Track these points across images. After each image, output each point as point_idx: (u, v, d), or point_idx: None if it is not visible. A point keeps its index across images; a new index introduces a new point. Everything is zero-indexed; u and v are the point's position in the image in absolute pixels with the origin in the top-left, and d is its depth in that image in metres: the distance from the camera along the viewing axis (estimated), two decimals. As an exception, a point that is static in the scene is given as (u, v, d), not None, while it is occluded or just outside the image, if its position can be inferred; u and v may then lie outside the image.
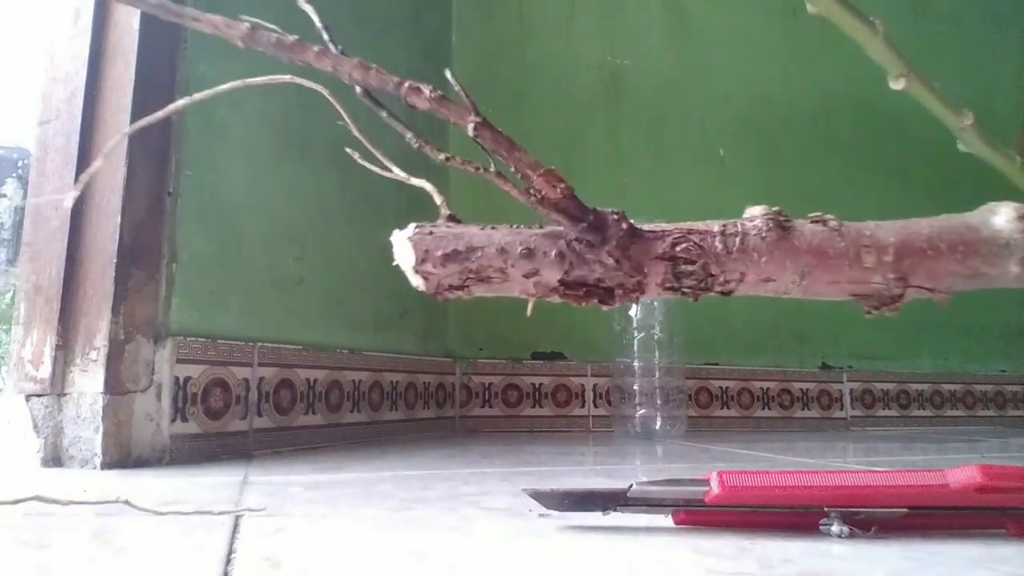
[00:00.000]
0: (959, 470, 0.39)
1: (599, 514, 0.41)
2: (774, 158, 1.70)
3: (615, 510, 0.41)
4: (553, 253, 0.37)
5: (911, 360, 1.74)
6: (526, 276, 0.36)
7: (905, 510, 0.39)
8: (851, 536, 0.38)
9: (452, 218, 0.43)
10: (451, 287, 0.39)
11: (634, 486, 0.41)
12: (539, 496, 0.42)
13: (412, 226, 0.42)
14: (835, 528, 0.38)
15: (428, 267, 0.39)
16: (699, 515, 0.41)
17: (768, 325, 1.62)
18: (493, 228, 0.39)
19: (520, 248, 0.37)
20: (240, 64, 0.91)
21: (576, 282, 0.37)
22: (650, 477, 0.69)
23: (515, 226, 0.39)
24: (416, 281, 0.39)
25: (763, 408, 1.56)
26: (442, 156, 0.42)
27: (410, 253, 0.39)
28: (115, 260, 0.72)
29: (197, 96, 0.41)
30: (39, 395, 0.71)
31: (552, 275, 0.37)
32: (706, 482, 0.40)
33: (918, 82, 0.41)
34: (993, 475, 0.38)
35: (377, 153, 0.43)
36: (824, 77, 1.76)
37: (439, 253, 0.39)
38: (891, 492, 0.39)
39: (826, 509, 0.39)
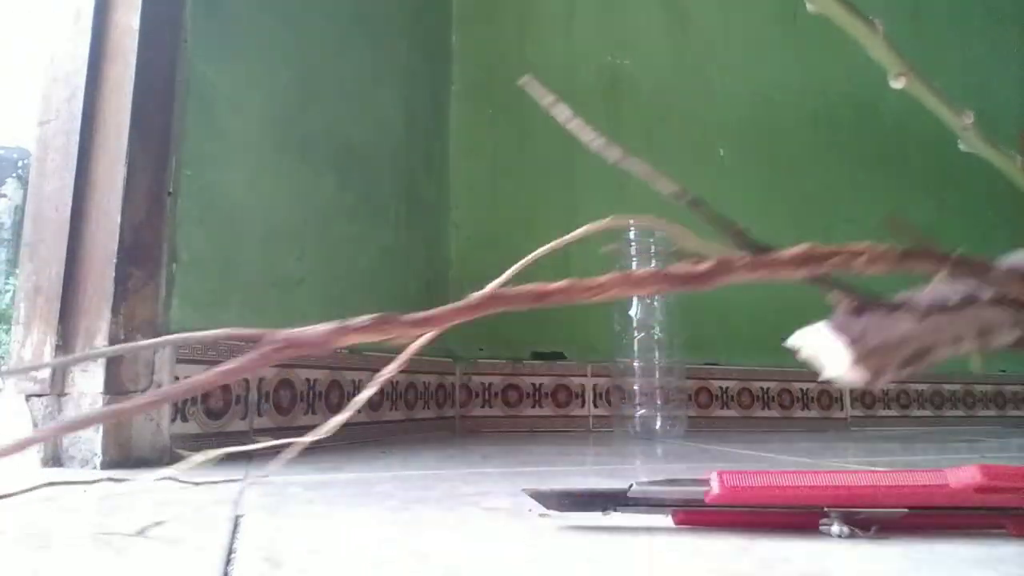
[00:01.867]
0: (959, 470, 0.39)
1: (599, 514, 0.41)
2: (774, 158, 1.70)
3: (615, 510, 0.41)
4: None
5: (911, 360, 1.74)
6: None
7: (905, 510, 0.39)
8: (851, 536, 0.38)
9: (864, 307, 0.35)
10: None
11: (634, 486, 0.41)
12: (539, 496, 0.42)
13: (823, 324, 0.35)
14: (835, 528, 0.38)
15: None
16: (699, 515, 0.41)
17: (768, 325, 1.62)
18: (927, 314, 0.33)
19: (976, 329, 0.33)
20: (241, 64, 0.91)
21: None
22: (650, 477, 0.69)
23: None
24: (851, 375, 0.33)
25: (763, 408, 1.56)
26: None
27: (838, 349, 0.34)
28: (115, 260, 0.72)
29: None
30: (39, 395, 0.71)
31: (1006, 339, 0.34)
32: (706, 482, 0.40)
33: (918, 81, 0.41)
34: (993, 475, 0.38)
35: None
36: (824, 77, 1.76)
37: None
38: (892, 492, 0.39)
39: (826, 509, 0.39)
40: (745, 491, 0.39)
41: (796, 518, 0.40)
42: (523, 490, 0.43)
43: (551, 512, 0.43)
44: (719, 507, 0.40)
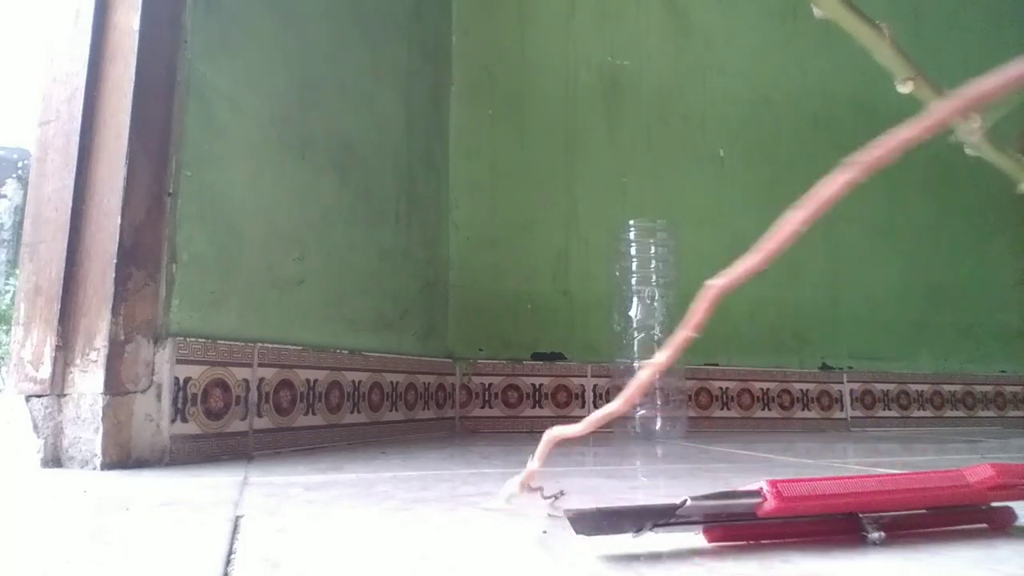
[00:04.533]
0: (975, 469, 0.39)
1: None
2: (774, 158, 1.70)
3: (651, 529, 0.36)
4: None
5: (911, 360, 1.74)
6: None
7: (924, 511, 0.39)
8: (886, 542, 0.37)
9: None
10: None
11: (688, 501, 0.36)
12: (576, 520, 0.36)
13: None
14: (874, 535, 0.37)
15: None
16: (736, 530, 0.38)
17: (768, 326, 1.62)
18: None
19: None
20: (241, 64, 0.91)
21: None
22: (650, 479, 0.69)
23: None
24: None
25: (763, 409, 1.56)
26: None
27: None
28: (115, 260, 0.72)
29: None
30: (39, 396, 0.71)
31: None
32: (756, 494, 0.36)
33: (926, 85, 0.41)
34: (1007, 473, 0.38)
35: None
36: (824, 77, 1.76)
37: None
38: (930, 494, 0.38)
39: (860, 515, 0.38)
40: (801, 501, 0.36)
41: (833, 526, 0.39)
42: (564, 511, 0.37)
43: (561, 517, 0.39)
44: (766, 520, 0.37)
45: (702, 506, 0.36)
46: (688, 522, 0.37)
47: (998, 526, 0.41)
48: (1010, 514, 0.41)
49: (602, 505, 0.37)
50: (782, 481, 0.37)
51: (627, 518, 0.36)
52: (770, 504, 0.36)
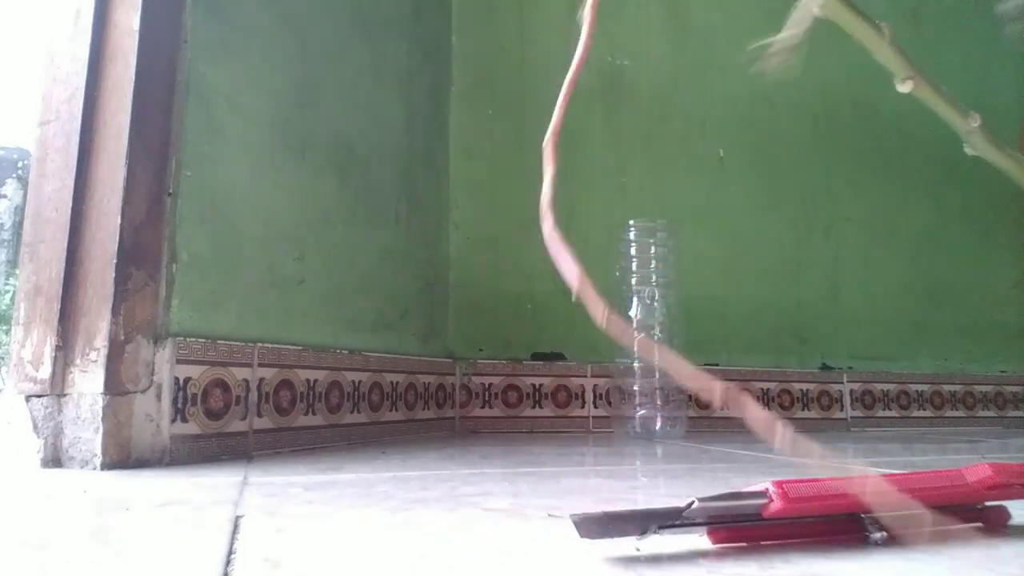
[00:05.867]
0: (973, 468, 0.39)
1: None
2: (774, 158, 1.70)
3: (656, 532, 0.36)
4: None
5: (911, 360, 1.74)
6: None
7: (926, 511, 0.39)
8: (888, 542, 0.37)
9: None
10: None
11: (695, 503, 0.36)
12: (581, 524, 0.35)
13: None
14: (876, 535, 0.37)
15: None
16: (740, 531, 0.38)
17: (768, 325, 1.62)
18: None
19: None
20: (241, 64, 0.91)
21: None
22: (650, 479, 0.69)
23: None
24: None
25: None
26: None
27: None
28: (115, 260, 0.72)
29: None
30: (39, 395, 0.71)
31: None
32: (761, 495, 0.36)
33: (925, 85, 0.41)
34: (1006, 473, 0.39)
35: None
36: (824, 77, 1.76)
37: None
38: (934, 493, 0.38)
39: (863, 515, 0.37)
40: (806, 501, 0.36)
41: (836, 526, 0.38)
42: (571, 516, 0.36)
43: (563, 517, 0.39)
44: (772, 521, 0.37)
45: (708, 508, 0.36)
46: (693, 524, 0.37)
47: (993, 525, 0.41)
48: (1004, 513, 0.41)
49: (608, 509, 0.37)
50: (788, 482, 0.37)
51: (632, 521, 0.35)
52: (776, 505, 0.36)
